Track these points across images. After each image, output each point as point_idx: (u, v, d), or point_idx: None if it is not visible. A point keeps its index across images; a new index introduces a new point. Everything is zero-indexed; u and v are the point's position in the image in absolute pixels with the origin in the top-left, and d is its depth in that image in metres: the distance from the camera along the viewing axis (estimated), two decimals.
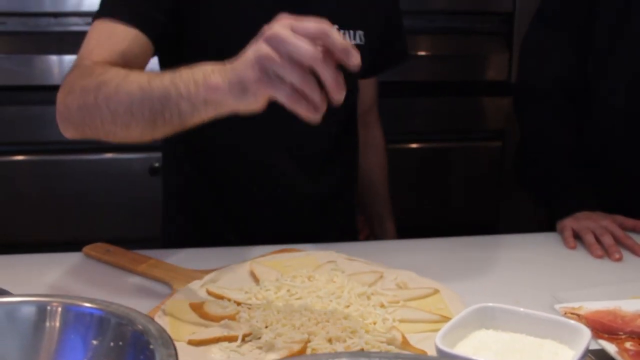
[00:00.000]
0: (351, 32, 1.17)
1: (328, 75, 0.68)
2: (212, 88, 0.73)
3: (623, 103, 1.27)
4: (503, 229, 1.94)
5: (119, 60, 0.94)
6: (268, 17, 0.75)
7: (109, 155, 1.79)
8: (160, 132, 0.82)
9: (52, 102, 1.50)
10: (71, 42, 1.68)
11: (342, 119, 1.22)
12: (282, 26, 0.69)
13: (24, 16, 1.70)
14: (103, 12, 0.99)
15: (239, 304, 0.81)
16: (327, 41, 0.68)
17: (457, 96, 1.88)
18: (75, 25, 1.72)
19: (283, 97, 0.68)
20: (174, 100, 0.77)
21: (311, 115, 0.70)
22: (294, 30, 0.68)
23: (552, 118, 1.33)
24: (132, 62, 0.96)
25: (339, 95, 0.69)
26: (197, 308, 0.80)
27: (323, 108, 0.70)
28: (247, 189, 1.16)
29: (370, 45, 1.19)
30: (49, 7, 1.70)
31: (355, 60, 0.69)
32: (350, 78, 1.16)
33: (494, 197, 1.92)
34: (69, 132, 0.91)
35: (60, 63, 1.71)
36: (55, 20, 1.72)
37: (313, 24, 0.69)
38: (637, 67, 1.25)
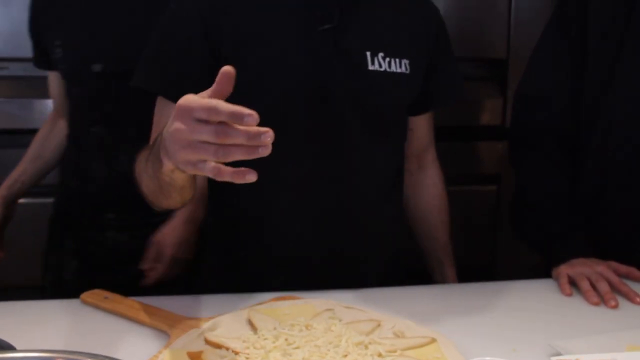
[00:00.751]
0: (397, 60, 1.16)
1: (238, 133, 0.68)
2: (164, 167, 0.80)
3: (616, 150, 1.28)
4: (500, 271, 1.95)
5: None
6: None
7: None
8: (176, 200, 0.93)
9: None
10: None
11: (380, 182, 1.21)
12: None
13: (25, 61, 1.70)
14: (153, 85, 1.09)
15: (237, 353, 0.81)
16: (217, 114, 0.68)
17: (453, 141, 1.89)
18: None
19: (211, 155, 0.69)
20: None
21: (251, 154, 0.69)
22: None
23: (545, 167, 1.34)
24: None
25: (262, 144, 0.68)
26: (195, 357, 0.80)
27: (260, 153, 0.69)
28: (271, 250, 1.16)
29: (416, 76, 1.19)
30: None
31: (249, 118, 0.67)
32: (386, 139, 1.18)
33: (490, 240, 1.92)
34: None
35: None
36: None
37: (199, 106, 0.69)
38: (628, 112, 1.26)
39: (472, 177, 1.94)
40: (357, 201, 1.16)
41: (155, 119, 1.08)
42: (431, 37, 1.23)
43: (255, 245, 1.17)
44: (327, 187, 1.13)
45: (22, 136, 1.74)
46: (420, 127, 1.31)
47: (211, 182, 1.21)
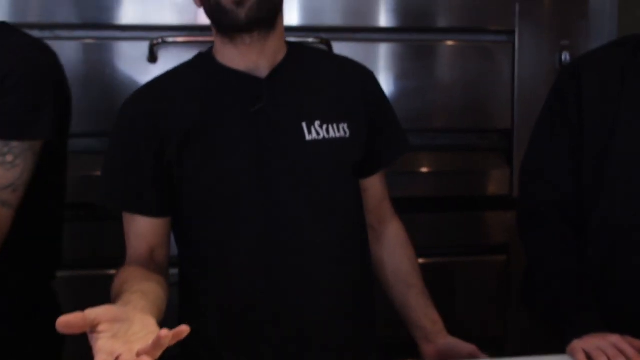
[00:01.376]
0: (334, 124, 1.22)
1: None
2: None
3: (618, 222, 1.30)
4: (511, 343, 1.93)
5: (144, 248, 1.18)
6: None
7: None
8: None
9: None
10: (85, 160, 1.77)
11: (333, 247, 1.25)
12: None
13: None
14: (114, 201, 1.23)
15: None
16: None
17: (460, 211, 1.93)
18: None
19: None
20: None
21: None
22: None
23: (552, 243, 1.35)
24: (155, 242, 1.19)
25: None
26: None
27: None
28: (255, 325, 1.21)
29: (357, 137, 1.25)
30: None
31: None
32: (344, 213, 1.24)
33: (500, 311, 1.92)
34: None
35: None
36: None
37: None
38: (627, 188, 1.29)
39: (480, 248, 1.95)
40: (310, 266, 1.20)
41: (125, 231, 1.21)
42: (368, 98, 1.29)
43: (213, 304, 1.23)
44: (279, 256, 1.19)
45: None
46: (373, 186, 1.35)
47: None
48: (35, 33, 1.70)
